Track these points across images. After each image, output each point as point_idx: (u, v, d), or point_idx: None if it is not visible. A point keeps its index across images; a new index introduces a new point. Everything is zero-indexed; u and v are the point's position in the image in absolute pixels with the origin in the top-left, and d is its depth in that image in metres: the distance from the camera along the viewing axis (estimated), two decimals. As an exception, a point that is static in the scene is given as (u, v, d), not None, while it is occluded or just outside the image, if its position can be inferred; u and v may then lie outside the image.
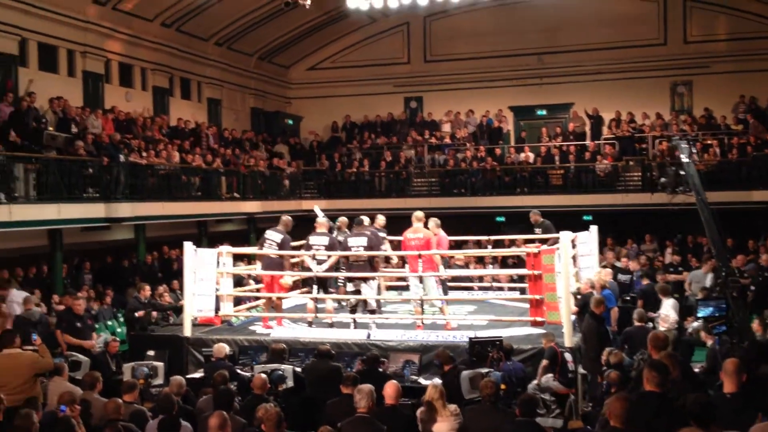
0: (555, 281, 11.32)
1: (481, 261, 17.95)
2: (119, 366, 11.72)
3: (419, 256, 12.05)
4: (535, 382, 10.43)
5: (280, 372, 9.46)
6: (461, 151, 24.49)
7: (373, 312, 12.45)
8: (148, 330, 13.37)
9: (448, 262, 13.97)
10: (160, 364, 10.58)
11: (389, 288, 15.02)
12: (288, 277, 12.91)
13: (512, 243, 16.95)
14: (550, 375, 10.47)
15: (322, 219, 13.13)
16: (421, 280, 12.24)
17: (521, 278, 14.60)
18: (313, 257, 12.41)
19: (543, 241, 13.95)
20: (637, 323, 11.23)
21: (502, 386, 8.51)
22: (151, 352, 11.75)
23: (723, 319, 10.29)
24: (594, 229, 15.08)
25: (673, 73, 25.02)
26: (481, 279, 16.34)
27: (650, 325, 11.94)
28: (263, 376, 8.76)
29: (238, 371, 10.31)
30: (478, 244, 16.26)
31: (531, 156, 23.75)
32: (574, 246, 12.90)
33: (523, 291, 14.06)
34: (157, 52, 21.54)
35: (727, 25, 24.57)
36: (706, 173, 18.87)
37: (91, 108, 18.04)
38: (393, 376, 9.63)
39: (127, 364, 10.65)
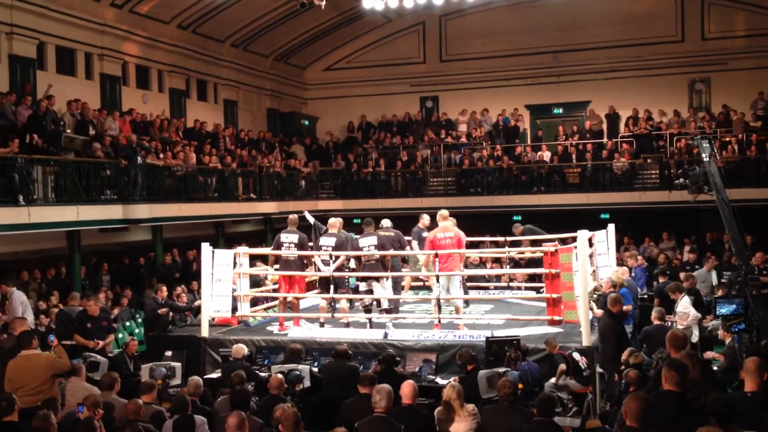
0: (572, 280, 11.26)
1: (497, 260, 17.87)
2: (137, 367, 11.78)
3: (435, 255, 12.01)
4: (552, 381, 10.37)
5: (297, 372, 9.45)
6: (477, 150, 24.43)
7: (388, 311, 12.43)
8: (167, 330, 13.43)
9: (465, 262, 13.95)
10: (177, 365, 10.60)
11: (411, 288, 14.99)
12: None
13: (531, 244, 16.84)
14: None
15: (332, 220, 13.19)
16: (438, 279, 12.20)
17: (536, 278, 14.55)
18: (330, 257, 12.43)
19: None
20: (656, 322, 11.14)
21: (520, 386, 8.46)
22: (168, 353, 11.77)
23: (742, 317, 10.22)
24: (611, 227, 14.99)
25: (691, 70, 24.84)
26: (498, 278, 16.28)
27: (669, 323, 11.84)
28: (280, 376, 8.77)
29: (256, 371, 10.33)
30: (495, 244, 16.21)
31: (547, 155, 23.65)
32: (591, 244, 12.83)
33: (537, 291, 14.01)
34: (173, 54, 21.66)
35: (745, 21, 24.38)
36: (724, 170, 18.72)
37: (109, 110, 18.16)
38: (410, 376, 9.61)
39: (145, 365, 10.69)
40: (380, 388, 7.07)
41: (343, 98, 27.91)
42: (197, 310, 13.60)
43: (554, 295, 11.67)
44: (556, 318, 11.63)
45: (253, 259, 14.90)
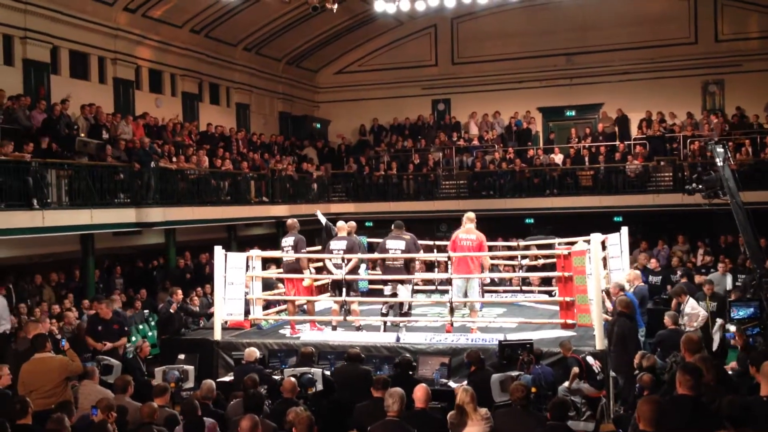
0: (585, 283, 11.22)
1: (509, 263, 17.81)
2: (149, 370, 11.81)
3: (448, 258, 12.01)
4: (565, 384, 10.34)
5: (310, 375, 9.46)
6: (489, 153, 24.39)
7: (406, 314, 12.45)
8: (180, 334, 13.47)
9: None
10: (190, 368, 10.62)
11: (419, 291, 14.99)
12: (307, 279, 12.98)
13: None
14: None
15: (341, 223, 13.23)
16: (451, 281, 12.19)
17: (548, 281, 14.51)
18: (342, 260, 12.44)
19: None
20: (671, 326, 11.06)
21: (533, 389, 8.44)
22: (181, 356, 11.80)
23: (757, 320, 10.17)
24: (624, 230, 14.94)
25: (705, 72, 24.70)
26: (510, 282, 16.21)
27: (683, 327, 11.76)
28: (292, 379, 8.77)
29: (269, 374, 10.34)
30: (507, 247, 16.17)
31: (560, 157, 23.58)
32: (604, 248, 12.78)
33: (550, 294, 13.96)
34: (186, 58, 21.75)
35: (759, 23, 24.24)
36: (738, 173, 18.62)
37: (122, 114, 18.25)
38: (422, 380, 9.59)
39: (158, 368, 10.72)
40: (393, 391, 7.05)
41: (355, 101, 27.94)
42: (210, 316, 13.66)
43: (567, 299, 11.63)
44: (569, 321, 11.58)
45: (266, 263, 14.93)
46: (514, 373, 9.39)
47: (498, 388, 9.10)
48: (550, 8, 25.55)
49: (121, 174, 16.13)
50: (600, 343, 10.84)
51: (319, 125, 28.08)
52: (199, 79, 22.62)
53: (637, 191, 22.00)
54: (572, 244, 12.88)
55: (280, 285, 14.75)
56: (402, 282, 12.29)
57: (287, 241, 13.04)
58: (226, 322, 12.84)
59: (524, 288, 15.18)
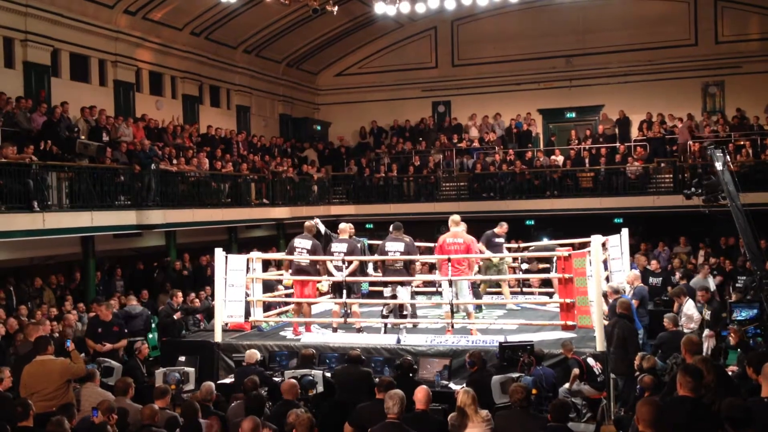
0: (586, 285, 11.22)
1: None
2: (149, 372, 11.83)
3: (447, 260, 12.01)
4: (566, 386, 10.35)
5: (310, 377, 9.47)
6: (490, 155, 24.40)
7: (411, 316, 12.44)
8: (180, 336, 13.47)
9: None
10: (191, 370, 10.64)
11: (419, 293, 15.02)
12: (325, 283, 12.96)
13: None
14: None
15: (342, 225, 13.25)
16: (450, 284, 12.19)
17: (548, 283, 14.52)
18: (343, 263, 12.45)
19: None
20: (671, 328, 11.06)
21: (534, 391, 8.44)
22: (182, 358, 11.81)
23: (757, 322, 10.17)
24: (625, 232, 14.94)
25: (705, 74, 24.75)
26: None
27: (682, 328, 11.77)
28: (293, 381, 8.77)
29: (269, 376, 10.34)
30: (507, 249, 16.15)
31: (560, 159, 23.58)
32: (604, 249, 12.77)
33: (550, 296, 13.97)
34: (186, 60, 21.77)
35: (759, 25, 24.27)
36: (738, 174, 18.64)
37: (123, 117, 18.26)
38: (423, 382, 9.59)
39: (159, 370, 10.73)
40: (393, 393, 7.04)
41: (355, 103, 27.96)
42: (211, 312, 13.64)
43: (568, 300, 11.63)
44: (570, 323, 11.58)
45: (266, 265, 14.92)
46: (515, 375, 9.38)
47: (498, 390, 9.10)
48: (550, 10, 25.58)
49: (121, 176, 16.14)
50: (600, 344, 10.83)
51: (319, 127, 28.10)
52: (200, 81, 22.63)
53: (637, 193, 22.02)
54: (572, 245, 12.85)
55: (280, 287, 14.77)
56: (401, 283, 12.29)
57: (303, 243, 12.78)
58: (226, 324, 12.83)
59: (524, 290, 15.24)
